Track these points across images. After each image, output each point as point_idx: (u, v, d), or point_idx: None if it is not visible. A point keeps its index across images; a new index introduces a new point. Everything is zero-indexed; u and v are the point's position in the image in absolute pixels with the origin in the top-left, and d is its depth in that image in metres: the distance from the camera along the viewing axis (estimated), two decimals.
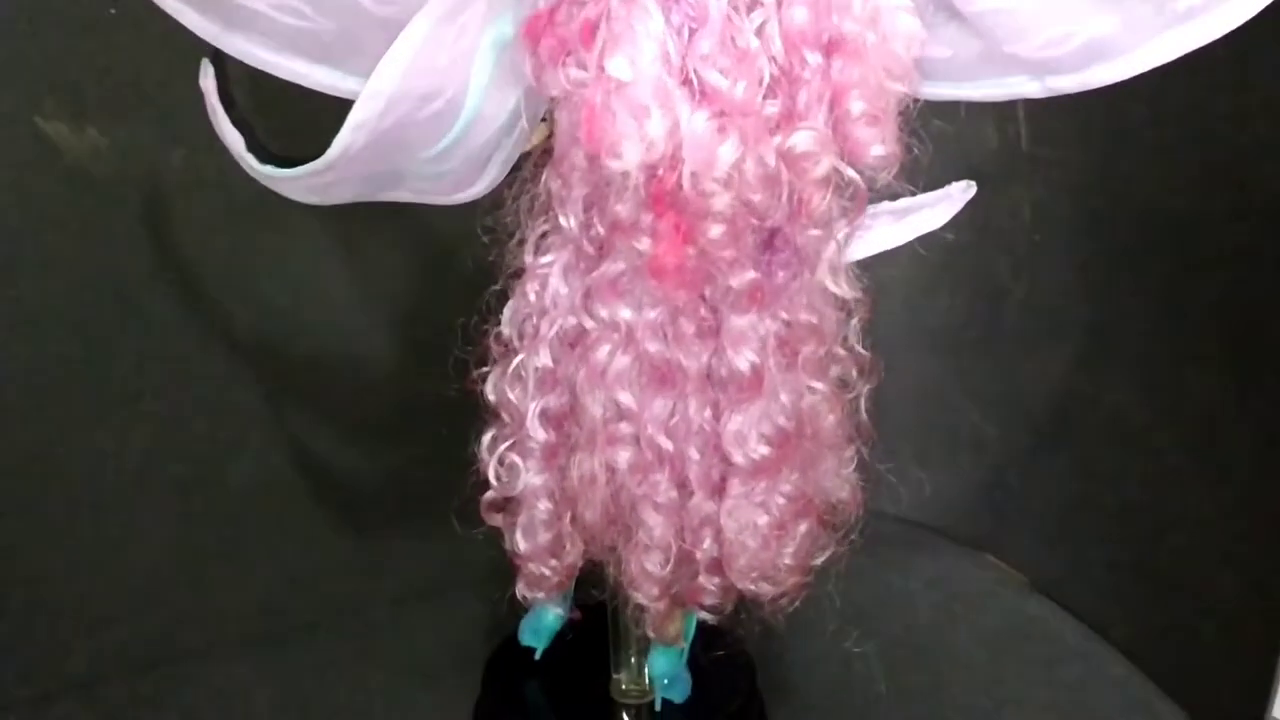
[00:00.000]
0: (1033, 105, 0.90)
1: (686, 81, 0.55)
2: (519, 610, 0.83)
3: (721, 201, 0.55)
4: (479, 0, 0.61)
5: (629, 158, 0.55)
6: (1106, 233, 0.89)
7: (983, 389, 0.99)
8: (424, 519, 0.91)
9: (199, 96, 0.70)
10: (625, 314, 0.62)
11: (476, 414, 0.70)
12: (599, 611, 0.82)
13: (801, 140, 0.55)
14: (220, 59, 0.66)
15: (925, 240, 0.95)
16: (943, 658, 0.90)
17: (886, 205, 0.70)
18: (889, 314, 0.77)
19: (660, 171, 0.56)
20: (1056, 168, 0.91)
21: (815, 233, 0.59)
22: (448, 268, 0.80)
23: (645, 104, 0.54)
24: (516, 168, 0.68)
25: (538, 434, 0.67)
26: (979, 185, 0.75)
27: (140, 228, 0.83)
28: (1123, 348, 0.90)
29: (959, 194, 0.71)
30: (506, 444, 0.68)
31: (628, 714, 0.82)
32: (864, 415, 0.67)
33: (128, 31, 0.77)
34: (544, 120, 0.66)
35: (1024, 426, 0.98)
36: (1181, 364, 0.86)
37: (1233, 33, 0.58)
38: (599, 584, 0.78)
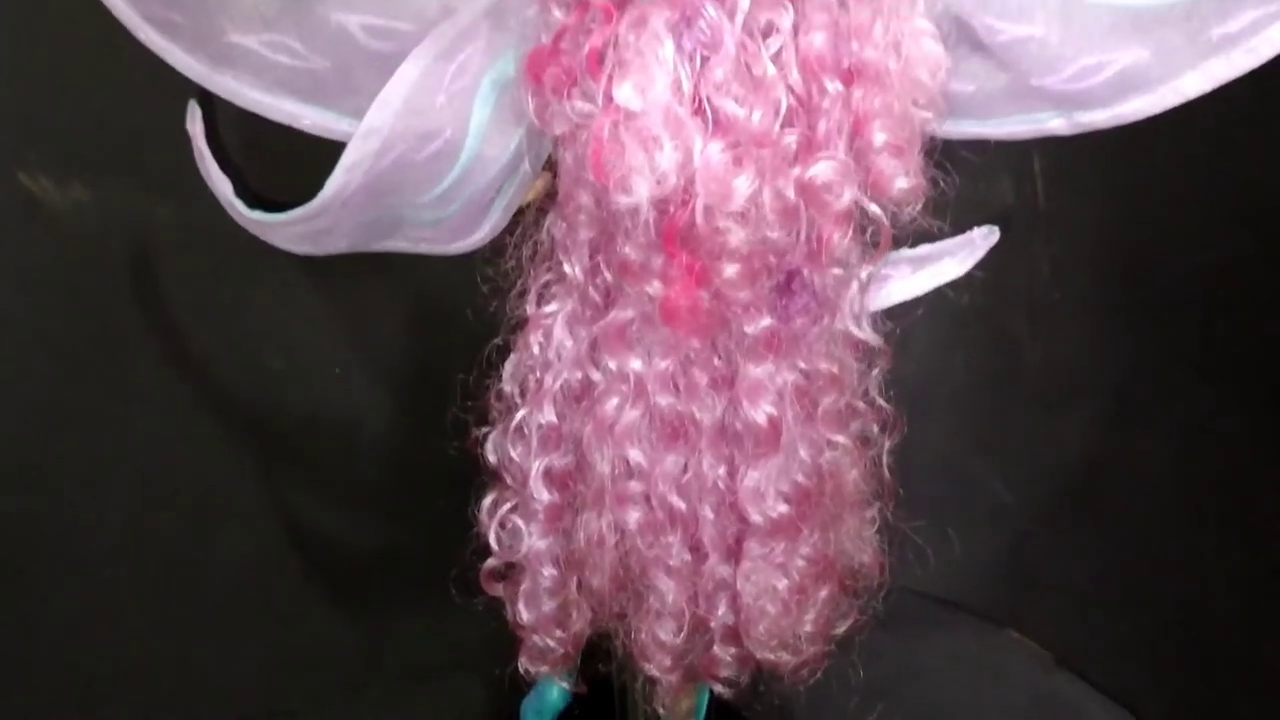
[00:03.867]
0: (1049, 160, 0.87)
1: (699, 110, 0.51)
2: (521, 689, 0.78)
3: (737, 238, 0.52)
4: (478, 38, 0.58)
5: (639, 192, 0.52)
6: (1130, 286, 0.86)
7: (1002, 453, 0.95)
8: (422, 595, 0.87)
9: (187, 148, 0.68)
10: (635, 365, 0.59)
11: (477, 482, 0.66)
12: (604, 688, 0.78)
13: (822, 171, 0.52)
14: (208, 101, 0.63)
15: (940, 301, 0.92)
16: None
17: (906, 253, 0.67)
18: (904, 377, 0.73)
19: (672, 208, 0.53)
20: (1075, 222, 0.88)
21: (836, 273, 0.55)
22: (447, 328, 0.77)
23: (656, 134, 0.51)
24: (517, 218, 0.65)
25: (541, 495, 0.63)
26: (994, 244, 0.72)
27: (125, 285, 0.79)
28: (1150, 406, 0.86)
29: (981, 240, 0.68)
30: (508, 506, 0.64)
31: None
32: (886, 473, 0.63)
33: (113, 84, 0.75)
34: (545, 170, 0.64)
35: (1046, 492, 0.94)
36: (1215, 421, 0.82)
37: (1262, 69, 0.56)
38: (605, 658, 0.74)
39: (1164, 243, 0.84)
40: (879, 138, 0.53)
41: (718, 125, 0.51)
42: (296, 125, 0.62)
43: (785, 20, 0.52)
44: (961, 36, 0.58)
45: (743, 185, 0.51)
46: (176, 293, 0.81)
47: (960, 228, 0.70)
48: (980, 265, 0.87)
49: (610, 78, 0.51)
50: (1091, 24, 0.56)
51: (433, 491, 0.75)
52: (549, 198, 0.63)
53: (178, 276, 0.80)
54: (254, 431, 0.84)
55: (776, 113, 0.52)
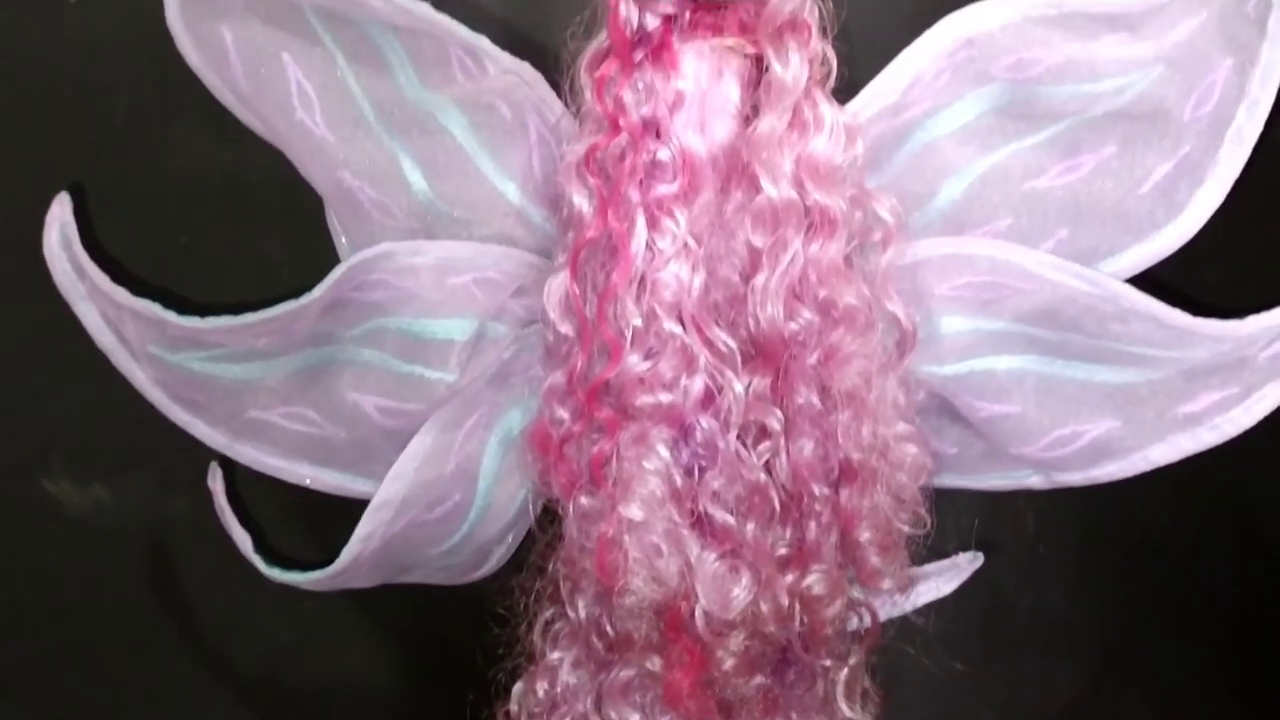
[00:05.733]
0: None
1: (698, 521, 0.55)
2: None
3: (736, 641, 0.55)
4: (484, 403, 0.62)
5: (641, 594, 0.55)
6: (1112, 551, 0.88)
7: (992, 690, 0.97)
8: None
9: (199, 442, 0.71)
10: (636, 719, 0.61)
11: None
12: None
13: (815, 583, 0.55)
14: (228, 461, 0.66)
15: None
16: None
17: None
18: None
19: (674, 600, 0.56)
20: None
21: (828, 664, 0.59)
22: (460, 614, 0.80)
23: (656, 542, 0.54)
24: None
25: None
26: (980, 493, 0.75)
27: (144, 576, 0.82)
28: (1133, 669, 0.89)
29: (966, 565, 0.71)
30: None
31: None
32: None
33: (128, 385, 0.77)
34: None
35: None
36: (1194, 691, 0.85)
37: None
38: None
39: (1147, 506, 0.87)
40: (865, 535, 0.57)
41: (714, 535, 0.55)
42: (312, 486, 0.65)
43: (775, 423, 0.55)
44: (943, 409, 0.61)
45: (740, 595, 0.55)
46: (193, 577, 0.83)
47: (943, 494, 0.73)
48: (967, 517, 0.90)
49: (614, 488, 0.55)
50: (1066, 400, 0.60)
51: None
52: (550, 546, 0.65)
53: (194, 562, 0.83)
54: (267, 704, 0.87)
55: (770, 519, 0.55)
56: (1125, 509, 0.88)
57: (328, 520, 0.68)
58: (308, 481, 0.65)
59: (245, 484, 0.70)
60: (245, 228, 0.70)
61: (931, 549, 0.72)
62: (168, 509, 0.82)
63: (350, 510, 0.66)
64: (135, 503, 0.82)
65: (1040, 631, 0.94)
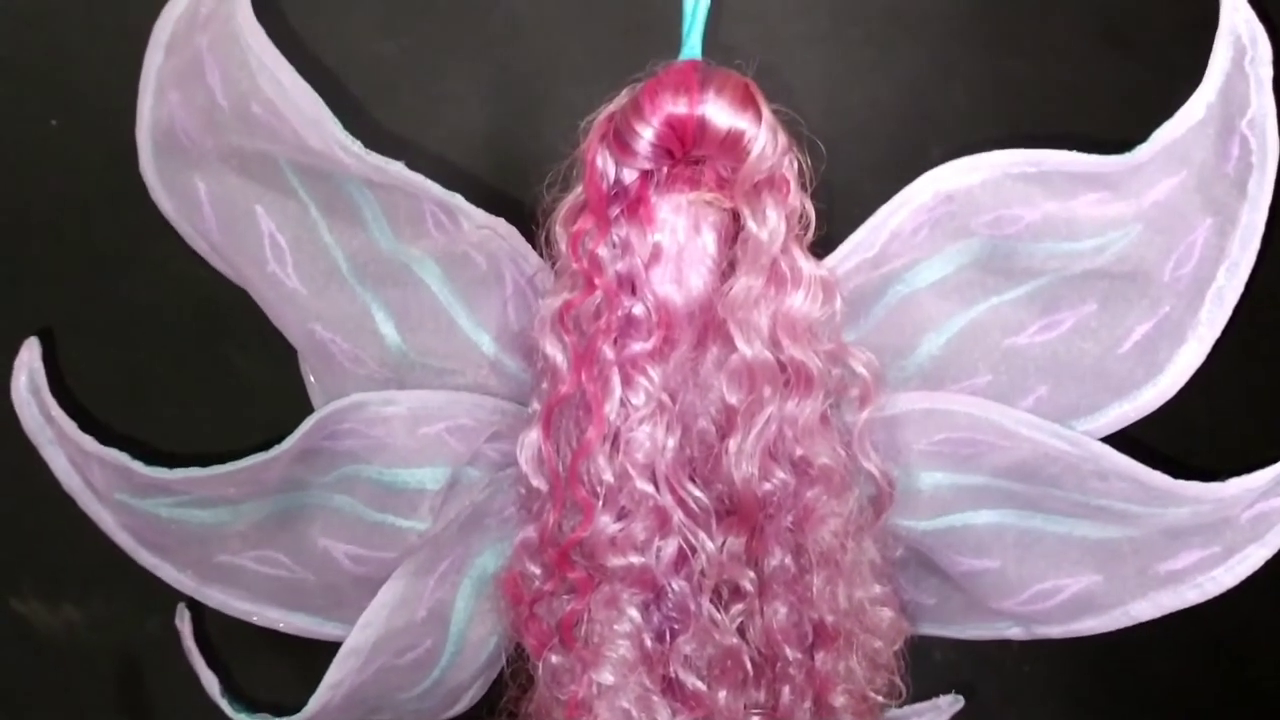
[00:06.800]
0: None
1: (669, 685, 0.54)
2: None
3: None
4: (458, 546, 0.61)
5: None
6: (1098, 670, 0.87)
7: None
8: None
9: None
10: None
11: None
12: None
13: None
14: (196, 603, 0.65)
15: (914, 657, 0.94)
16: None
17: None
18: None
19: None
20: None
21: None
22: None
23: (627, 708, 0.53)
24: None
25: None
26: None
27: (113, 698, 0.81)
28: None
29: (947, 707, 0.71)
30: None
31: None
32: None
33: None
34: None
35: None
36: None
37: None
38: None
39: (1132, 627, 0.86)
40: (840, 700, 0.56)
41: (685, 701, 0.54)
42: (281, 629, 0.64)
43: (749, 584, 0.54)
44: (921, 560, 0.61)
45: None
46: (163, 698, 0.82)
47: None
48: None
49: (583, 657, 0.54)
50: (1046, 554, 0.59)
51: None
52: (523, 687, 0.64)
53: (164, 683, 0.82)
54: None
55: (744, 683, 0.54)
56: (1111, 647, 0.87)
57: (299, 653, 0.67)
58: (280, 626, 0.64)
59: (214, 617, 0.69)
60: (220, 344, 0.70)
61: (915, 659, 0.71)
62: (139, 630, 0.81)
63: (322, 643, 0.65)
64: (106, 623, 0.81)
65: None
